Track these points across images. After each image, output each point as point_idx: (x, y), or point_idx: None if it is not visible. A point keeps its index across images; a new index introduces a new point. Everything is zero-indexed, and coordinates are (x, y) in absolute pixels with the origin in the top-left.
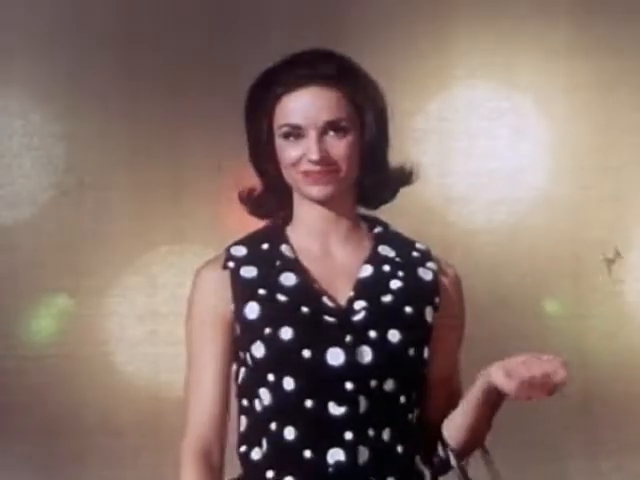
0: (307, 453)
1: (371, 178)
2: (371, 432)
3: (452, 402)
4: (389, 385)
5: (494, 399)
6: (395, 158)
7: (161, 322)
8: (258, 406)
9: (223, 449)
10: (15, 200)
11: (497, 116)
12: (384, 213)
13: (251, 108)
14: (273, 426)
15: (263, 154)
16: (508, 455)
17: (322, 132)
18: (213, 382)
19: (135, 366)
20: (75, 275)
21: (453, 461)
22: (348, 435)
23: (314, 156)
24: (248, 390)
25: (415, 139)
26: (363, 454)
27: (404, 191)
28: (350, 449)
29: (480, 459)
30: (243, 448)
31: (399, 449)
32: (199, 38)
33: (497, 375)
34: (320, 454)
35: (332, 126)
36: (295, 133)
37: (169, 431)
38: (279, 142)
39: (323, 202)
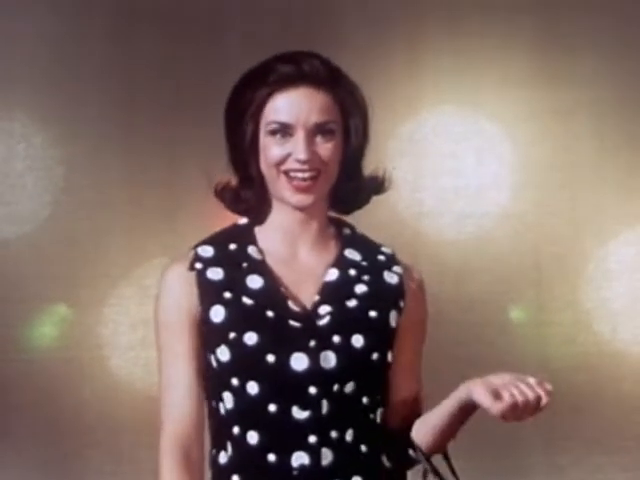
0: (271, 457)
1: (348, 184)
2: (334, 434)
3: (413, 404)
4: (349, 387)
5: (469, 413)
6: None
7: (152, 329)
8: (222, 409)
9: (201, 444)
10: (18, 217)
11: (464, 138)
12: (360, 225)
13: (236, 106)
14: (236, 430)
15: (245, 153)
16: (468, 451)
17: (310, 133)
18: (185, 381)
19: (129, 369)
20: (74, 286)
21: (424, 463)
22: (312, 438)
23: (302, 155)
24: (213, 392)
25: (389, 157)
26: (327, 456)
27: (379, 204)
28: (314, 452)
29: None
30: (213, 451)
31: (363, 449)
32: (193, 66)
33: (480, 394)
34: (284, 458)
35: (321, 128)
36: (283, 131)
37: None
38: (265, 140)
39: (301, 209)
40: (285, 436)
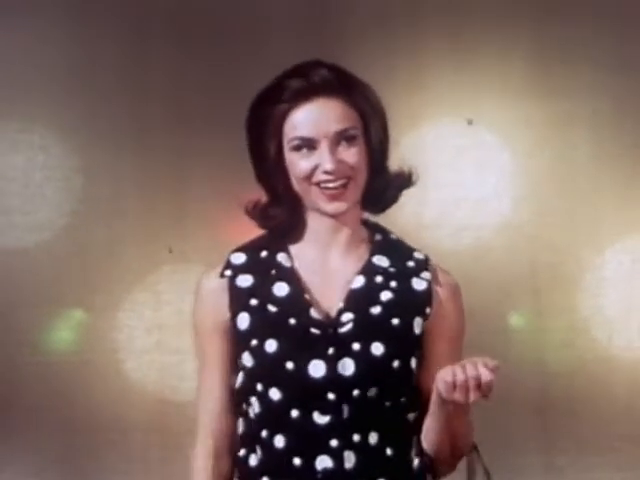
0: (296, 461)
1: (377, 182)
2: (356, 437)
3: None
4: (372, 392)
5: (446, 405)
6: None
7: (166, 333)
8: (251, 413)
9: (233, 456)
10: (38, 225)
11: (463, 150)
12: None
13: (255, 127)
14: (264, 434)
15: (272, 171)
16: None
17: (333, 142)
18: (220, 389)
19: (143, 372)
20: (90, 292)
21: (478, 461)
22: (334, 442)
23: (328, 166)
24: (243, 396)
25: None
26: (349, 459)
27: (380, 217)
28: (336, 455)
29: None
30: (242, 452)
31: (388, 452)
32: (204, 80)
33: (436, 380)
34: (308, 461)
35: (342, 135)
36: (306, 145)
37: (174, 429)
38: (290, 156)
39: (336, 216)
40: (308, 440)
